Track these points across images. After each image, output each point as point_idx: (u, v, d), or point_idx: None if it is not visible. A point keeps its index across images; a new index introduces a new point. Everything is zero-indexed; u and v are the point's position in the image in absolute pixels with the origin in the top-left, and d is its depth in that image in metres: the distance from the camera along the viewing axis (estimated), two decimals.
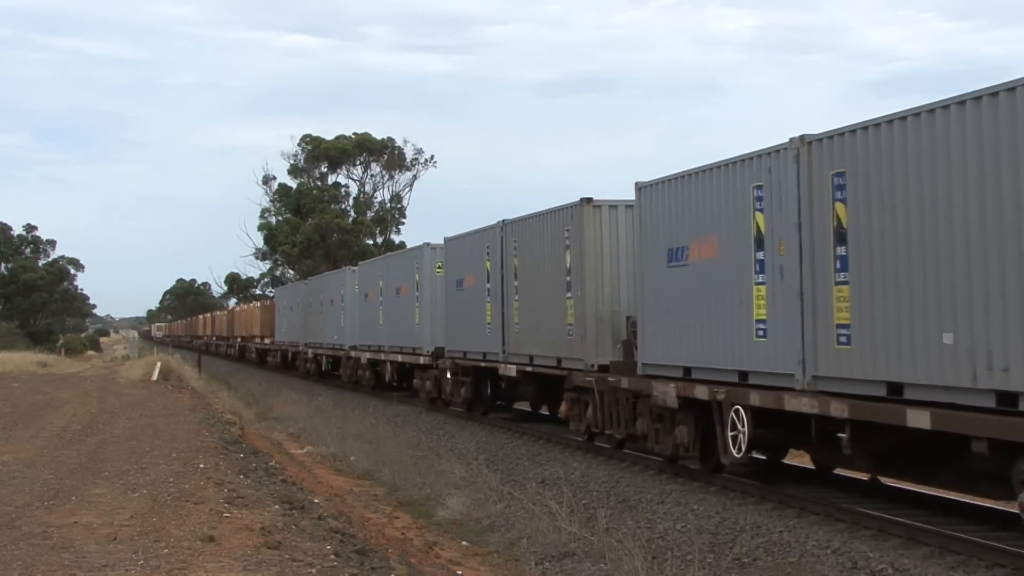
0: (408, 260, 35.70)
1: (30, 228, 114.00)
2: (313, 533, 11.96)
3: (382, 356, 37.74)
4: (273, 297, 75.97)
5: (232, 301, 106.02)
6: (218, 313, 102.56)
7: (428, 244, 33.22)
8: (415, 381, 34.06)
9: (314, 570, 10.02)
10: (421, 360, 32.80)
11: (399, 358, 35.52)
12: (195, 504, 13.26)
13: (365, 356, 40.46)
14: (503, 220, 26.08)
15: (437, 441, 24.83)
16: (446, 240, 31.21)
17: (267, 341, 66.73)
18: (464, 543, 14.22)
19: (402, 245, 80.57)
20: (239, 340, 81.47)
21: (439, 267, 32.42)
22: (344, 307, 44.56)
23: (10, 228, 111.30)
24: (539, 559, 12.85)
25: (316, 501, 14.99)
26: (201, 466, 16.79)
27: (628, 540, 12.55)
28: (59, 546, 10.92)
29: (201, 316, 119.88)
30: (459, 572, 12.38)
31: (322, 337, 49.08)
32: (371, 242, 79.45)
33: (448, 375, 30.24)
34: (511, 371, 25.65)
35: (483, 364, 27.75)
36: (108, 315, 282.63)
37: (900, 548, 12.75)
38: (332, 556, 10.71)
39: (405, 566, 11.57)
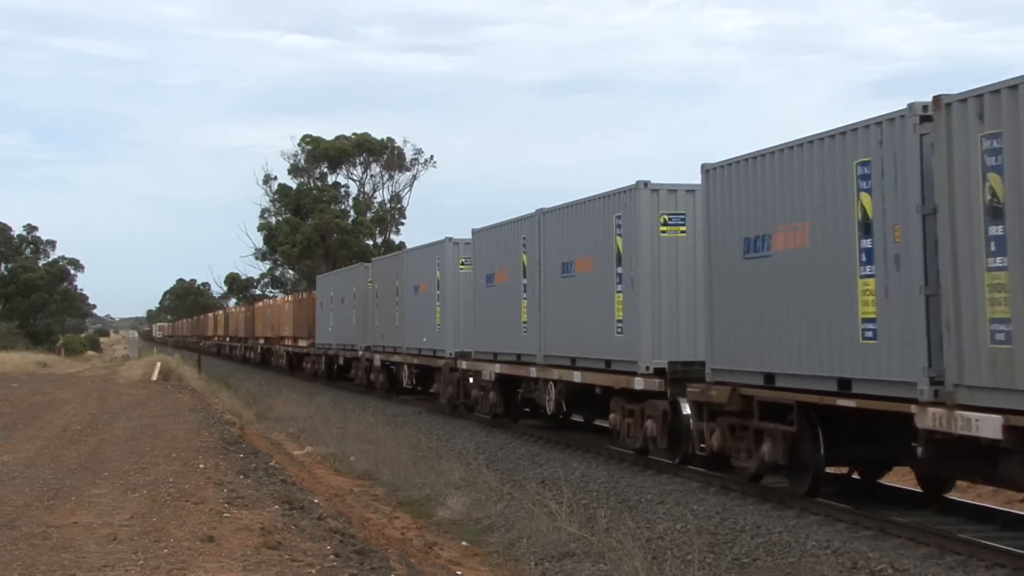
0: (598, 213, 21.39)
1: (30, 228, 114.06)
2: (313, 533, 11.96)
3: (531, 372, 24.59)
4: (299, 290, 67.42)
5: (232, 301, 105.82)
6: (233, 310, 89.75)
7: (643, 183, 19.62)
8: (612, 417, 20.90)
9: (314, 570, 10.02)
10: (637, 383, 19.39)
11: (576, 377, 22.03)
12: (195, 504, 13.25)
13: (489, 370, 27.49)
14: (939, 98, 12.40)
15: (437, 441, 24.81)
16: (705, 170, 17.66)
17: (303, 343, 54.08)
18: (464, 543, 14.23)
19: (402, 245, 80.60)
20: (261, 342, 69.56)
21: (667, 222, 19.63)
22: (442, 297, 32.23)
23: (10, 228, 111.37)
24: (539, 559, 12.86)
25: (316, 501, 15.00)
26: (201, 466, 16.79)
27: (628, 540, 12.55)
28: (59, 546, 10.92)
29: (211, 314, 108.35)
30: (459, 572, 12.38)
31: (399, 339, 36.31)
32: (371, 242, 79.46)
33: (701, 414, 17.49)
34: (981, 426, 11.78)
35: (839, 402, 14.26)
36: (108, 315, 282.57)
37: (900, 548, 12.76)
38: (332, 556, 10.71)
39: (405, 566, 11.58)
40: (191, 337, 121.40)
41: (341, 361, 46.36)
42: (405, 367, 36.09)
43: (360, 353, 41.85)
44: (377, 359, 39.33)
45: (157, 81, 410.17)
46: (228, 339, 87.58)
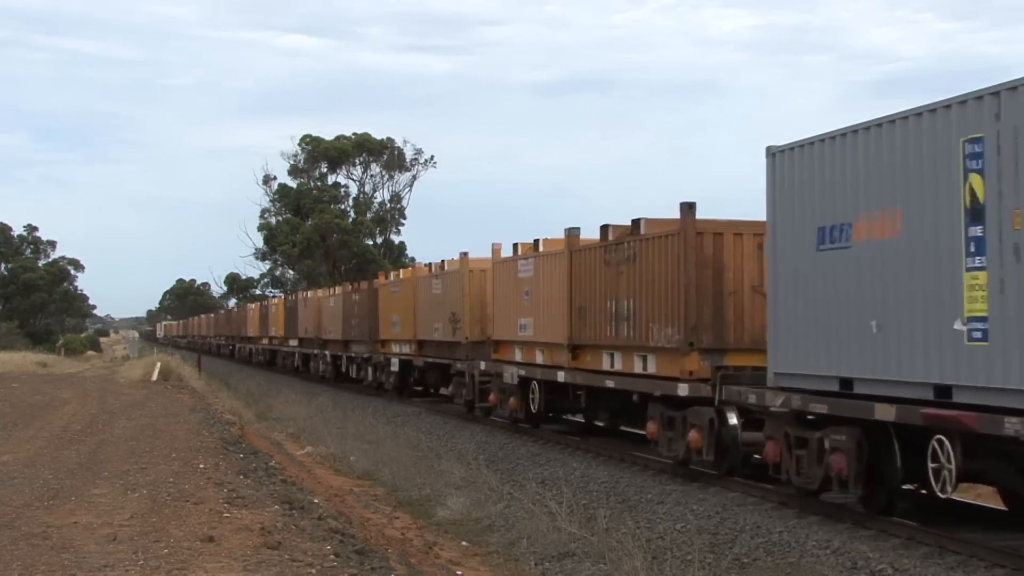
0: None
1: (31, 228, 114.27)
2: (313, 533, 11.96)
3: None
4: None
5: (232, 301, 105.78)
6: (309, 295, 54.78)
7: None
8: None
9: (314, 570, 10.02)
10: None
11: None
12: (195, 504, 13.25)
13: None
14: None
15: (437, 441, 24.81)
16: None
17: (653, 365, 19.15)
18: (464, 543, 14.23)
19: (402, 246, 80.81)
20: (402, 348, 36.47)
21: None
22: None
23: (10, 228, 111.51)
24: (539, 559, 12.87)
25: (316, 501, 15.00)
26: (201, 466, 16.78)
27: (628, 540, 12.55)
28: (59, 546, 10.92)
29: (254, 304, 76.29)
30: (459, 572, 12.39)
31: None
32: (371, 242, 79.50)
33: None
34: None
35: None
36: (108, 315, 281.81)
37: (900, 548, 12.76)
38: (332, 556, 10.72)
39: (405, 566, 11.59)
40: (215, 338, 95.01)
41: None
42: None
43: None
44: None
45: (157, 81, 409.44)
46: (289, 343, 57.84)
